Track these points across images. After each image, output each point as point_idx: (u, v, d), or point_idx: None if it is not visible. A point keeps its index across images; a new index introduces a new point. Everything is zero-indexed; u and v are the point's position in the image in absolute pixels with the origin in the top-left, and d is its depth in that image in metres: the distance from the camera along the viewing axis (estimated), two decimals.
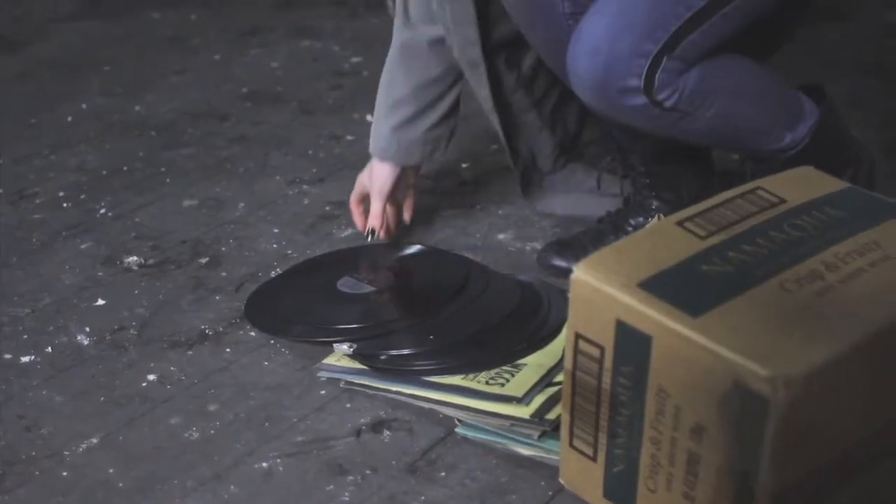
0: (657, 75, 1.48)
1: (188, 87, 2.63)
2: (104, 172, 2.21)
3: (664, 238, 1.26)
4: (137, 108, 2.52)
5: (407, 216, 1.90)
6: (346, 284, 1.73)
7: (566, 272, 1.71)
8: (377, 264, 1.81)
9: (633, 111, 1.51)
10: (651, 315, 1.15)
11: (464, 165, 2.15)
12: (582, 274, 1.21)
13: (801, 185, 1.37)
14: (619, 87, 1.48)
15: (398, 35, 1.80)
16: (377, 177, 1.81)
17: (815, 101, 1.70)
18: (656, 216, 1.74)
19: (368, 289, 1.72)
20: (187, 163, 2.24)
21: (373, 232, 1.81)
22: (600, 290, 1.19)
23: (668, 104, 1.50)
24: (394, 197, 1.84)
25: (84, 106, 2.54)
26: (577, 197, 1.93)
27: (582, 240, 1.79)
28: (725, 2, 1.49)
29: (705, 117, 1.56)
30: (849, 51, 2.60)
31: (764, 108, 1.64)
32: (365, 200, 1.85)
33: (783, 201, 1.33)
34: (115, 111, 2.51)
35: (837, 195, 1.36)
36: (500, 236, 1.91)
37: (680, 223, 1.28)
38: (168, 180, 2.17)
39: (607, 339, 1.19)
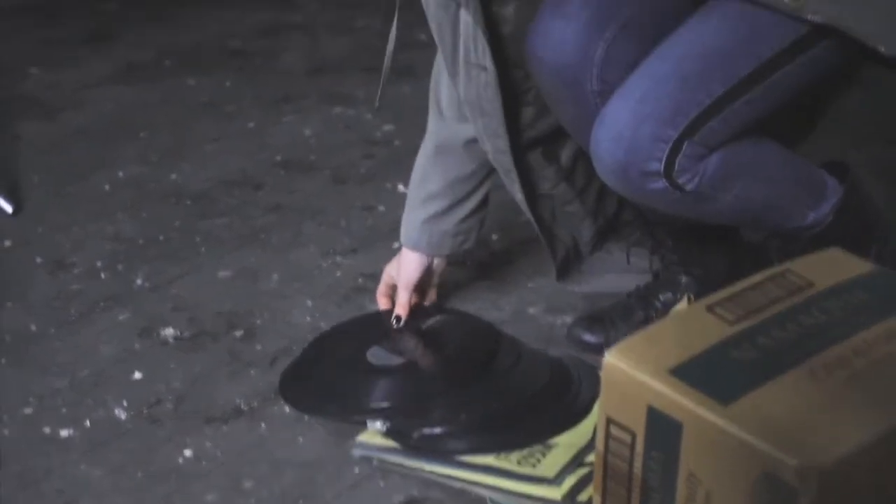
0: (678, 160, 1.49)
1: (223, 155, 2.67)
2: (141, 242, 2.25)
3: (694, 323, 1.28)
4: (173, 176, 2.56)
5: (427, 304, 1.92)
6: (375, 355, 1.75)
7: (596, 347, 1.76)
8: (406, 331, 1.83)
9: (654, 194, 1.53)
10: (681, 402, 1.16)
11: (494, 237, 2.18)
12: (614, 359, 1.23)
13: (829, 268, 1.39)
14: (641, 170, 1.50)
15: (432, 132, 1.83)
16: (405, 266, 1.84)
17: (839, 177, 1.71)
18: (685, 295, 1.76)
19: (398, 360, 1.74)
20: (222, 232, 2.28)
21: (398, 319, 1.83)
22: (632, 376, 1.21)
23: (688, 188, 1.52)
24: (420, 286, 1.87)
25: (120, 174, 2.58)
26: (612, 277, 1.95)
27: (611, 315, 1.81)
28: (747, 89, 1.51)
29: (726, 200, 1.57)
30: (875, 119, 2.61)
31: (785, 188, 1.66)
32: (392, 292, 1.88)
33: (811, 285, 1.34)
34: (151, 179, 2.55)
35: (865, 278, 1.38)
36: (531, 310, 1.94)
37: (710, 308, 1.30)
38: (203, 250, 2.21)
39: (639, 424, 1.21)
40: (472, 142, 1.78)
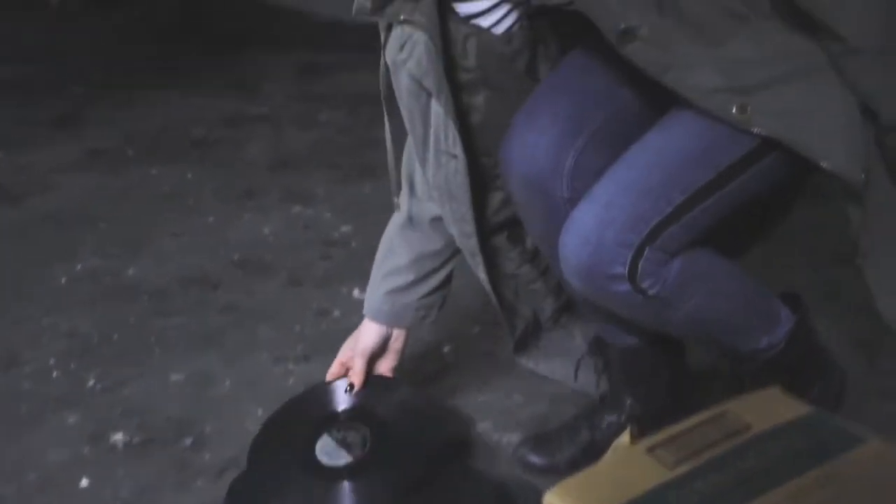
0: (640, 264, 1.53)
1: (182, 251, 2.68)
2: (95, 339, 2.26)
3: (634, 465, 1.31)
4: (131, 271, 2.58)
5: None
6: (324, 450, 1.74)
7: (541, 469, 1.78)
8: (358, 416, 1.81)
9: (618, 297, 1.56)
10: None
11: (446, 349, 2.20)
12: (553, 500, 1.25)
13: (767, 409, 1.42)
14: (606, 273, 1.53)
15: (402, 207, 1.85)
16: (364, 335, 1.86)
17: (792, 308, 1.76)
18: (629, 424, 1.78)
19: (346, 458, 1.73)
20: (177, 332, 2.29)
21: (351, 387, 1.84)
22: None
23: (651, 292, 1.55)
24: (375, 359, 1.88)
25: (79, 267, 2.59)
26: (564, 363, 1.97)
27: (557, 436, 1.84)
28: (705, 197, 1.55)
29: (686, 309, 1.61)
30: (827, 238, 2.65)
31: (743, 305, 1.70)
32: (344, 371, 1.87)
33: (749, 427, 1.37)
34: (109, 273, 2.57)
35: (802, 421, 1.41)
36: (479, 426, 1.95)
37: (650, 450, 1.32)
38: (157, 351, 2.22)
39: None
40: (438, 219, 1.81)
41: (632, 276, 1.53)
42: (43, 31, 4.90)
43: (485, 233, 1.82)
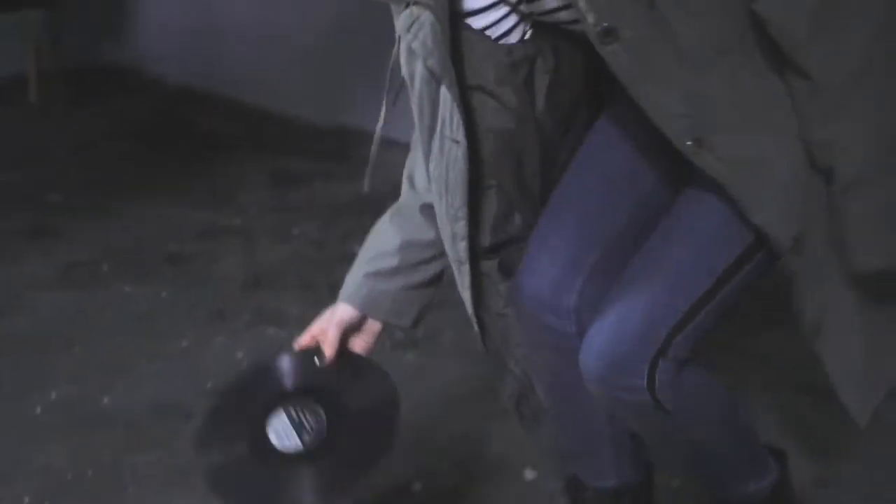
0: (657, 376, 1.58)
1: (156, 378, 2.70)
2: (69, 476, 2.28)
3: None
4: (106, 399, 2.60)
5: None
6: (277, 429, 1.70)
7: None
8: (322, 393, 1.75)
9: (636, 408, 1.61)
10: None
11: (416, 486, 2.22)
12: None
13: None
14: (625, 385, 1.58)
15: (400, 201, 1.85)
16: (338, 313, 1.80)
17: (776, 461, 1.82)
18: None
19: (297, 446, 1.69)
20: (149, 469, 2.31)
21: (321, 355, 1.78)
22: None
23: (668, 406, 1.60)
24: (350, 334, 1.82)
25: (53, 395, 2.62)
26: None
27: None
28: (708, 301, 1.60)
29: (694, 432, 1.67)
30: (790, 366, 2.68)
31: (741, 447, 1.76)
32: (315, 341, 1.82)
33: None
34: (85, 401, 2.59)
35: None
36: None
37: None
38: (131, 488, 2.24)
39: None
40: (429, 206, 1.78)
41: (650, 387, 1.58)
42: (21, 129, 4.95)
43: (476, 250, 1.77)
